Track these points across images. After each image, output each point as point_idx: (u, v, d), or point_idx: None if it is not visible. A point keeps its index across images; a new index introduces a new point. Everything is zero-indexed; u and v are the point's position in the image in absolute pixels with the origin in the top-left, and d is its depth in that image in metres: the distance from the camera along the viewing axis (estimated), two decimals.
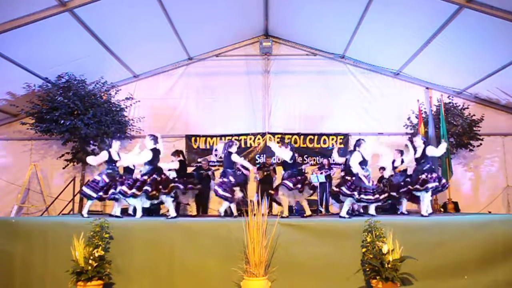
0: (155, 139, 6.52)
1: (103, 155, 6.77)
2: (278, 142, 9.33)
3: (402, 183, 7.24)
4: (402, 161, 7.71)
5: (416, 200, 7.08)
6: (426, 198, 6.38)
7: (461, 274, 4.95)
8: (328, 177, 9.12)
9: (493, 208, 9.36)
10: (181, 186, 6.94)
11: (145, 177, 6.24)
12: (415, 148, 6.75)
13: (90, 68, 9.04)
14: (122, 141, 9.80)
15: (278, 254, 4.99)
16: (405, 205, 7.57)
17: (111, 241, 5.09)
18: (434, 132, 8.89)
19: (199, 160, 9.46)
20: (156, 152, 6.44)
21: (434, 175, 6.39)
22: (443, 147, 6.61)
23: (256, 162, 10.16)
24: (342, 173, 7.93)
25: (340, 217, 6.17)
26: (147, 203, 6.46)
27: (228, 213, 6.82)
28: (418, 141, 6.66)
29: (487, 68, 8.81)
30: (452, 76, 9.70)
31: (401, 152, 7.98)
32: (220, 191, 6.38)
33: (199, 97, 10.56)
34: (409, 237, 4.98)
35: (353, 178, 6.56)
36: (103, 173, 6.65)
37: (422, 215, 6.23)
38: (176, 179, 7.17)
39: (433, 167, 6.64)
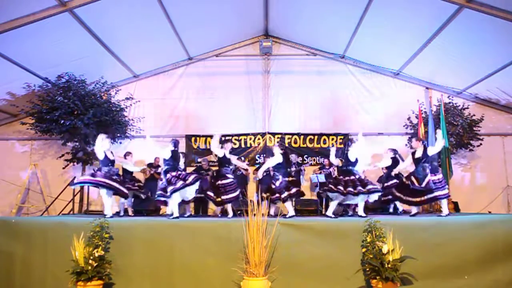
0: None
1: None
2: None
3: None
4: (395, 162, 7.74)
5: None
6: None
7: (462, 274, 4.95)
8: (329, 177, 9.12)
9: (493, 208, 9.34)
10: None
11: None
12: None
13: (90, 68, 9.03)
14: (122, 140, 9.85)
15: (278, 254, 4.99)
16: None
17: (111, 241, 5.09)
18: (434, 132, 8.88)
19: (199, 160, 9.46)
20: None
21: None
22: (439, 144, 6.74)
23: (256, 162, 10.16)
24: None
25: (327, 216, 6.30)
26: None
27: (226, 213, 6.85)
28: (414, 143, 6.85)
29: (487, 68, 8.80)
30: (452, 76, 9.69)
31: (393, 151, 7.99)
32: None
33: (199, 97, 10.56)
34: (409, 237, 4.98)
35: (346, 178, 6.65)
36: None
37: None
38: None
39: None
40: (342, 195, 6.48)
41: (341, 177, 6.70)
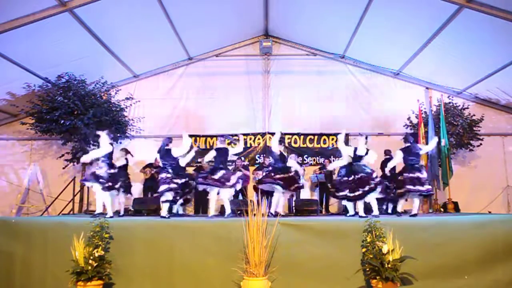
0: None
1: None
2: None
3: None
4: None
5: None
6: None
7: (462, 274, 4.95)
8: (329, 177, 9.13)
9: (493, 208, 9.34)
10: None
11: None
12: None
13: (90, 68, 9.03)
14: (122, 140, 9.85)
15: (278, 254, 4.99)
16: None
17: (111, 241, 5.09)
18: (434, 132, 8.89)
19: (199, 160, 9.46)
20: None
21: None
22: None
23: (256, 162, 10.16)
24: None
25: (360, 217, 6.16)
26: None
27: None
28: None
29: (487, 68, 8.81)
30: (452, 76, 9.70)
31: (386, 152, 8.00)
32: None
33: (199, 97, 10.56)
34: (409, 237, 4.98)
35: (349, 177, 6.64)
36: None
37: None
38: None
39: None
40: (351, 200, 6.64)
41: (350, 177, 6.71)
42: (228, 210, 6.58)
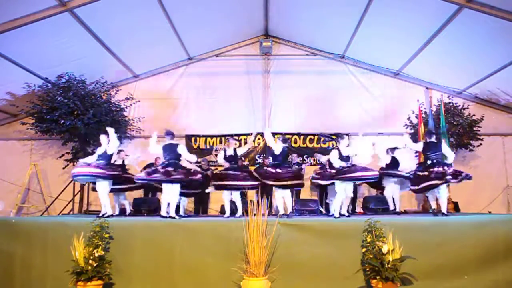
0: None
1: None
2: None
3: None
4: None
5: None
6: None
7: (461, 274, 4.95)
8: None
9: (493, 208, 9.34)
10: None
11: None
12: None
13: (90, 68, 9.03)
14: (122, 140, 9.85)
15: (278, 254, 4.99)
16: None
17: (111, 241, 5.09)
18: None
19: (199, 160, 9.45)
20: None
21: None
22: None
23: (256, 162, 10.17)
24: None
25: (336, 217, 6.17)
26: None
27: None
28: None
29: (487, 68, 8.80)
30: (452, 76, 9.69)
31: (392, 150, 8.02)
32: None
33: (199, 97, 10.56)
34: (409, 237, 4.97)
35: None
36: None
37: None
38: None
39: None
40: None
41: None
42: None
